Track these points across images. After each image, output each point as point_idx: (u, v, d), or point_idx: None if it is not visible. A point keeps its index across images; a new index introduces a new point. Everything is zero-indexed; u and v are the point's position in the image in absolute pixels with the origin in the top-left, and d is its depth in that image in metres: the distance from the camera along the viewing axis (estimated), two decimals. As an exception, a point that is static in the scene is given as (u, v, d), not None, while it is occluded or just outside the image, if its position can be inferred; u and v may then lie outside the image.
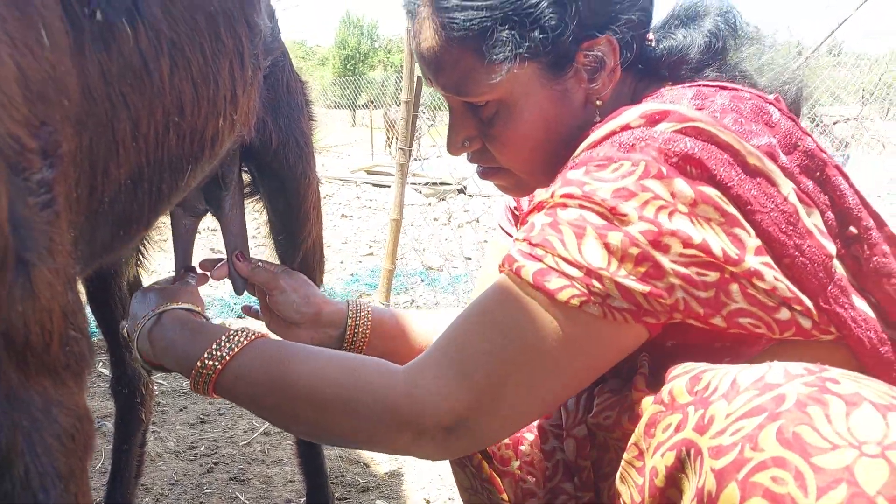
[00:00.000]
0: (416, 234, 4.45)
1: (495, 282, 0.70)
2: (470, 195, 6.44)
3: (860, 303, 0.67)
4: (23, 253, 0.47)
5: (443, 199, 6.09)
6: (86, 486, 0.59)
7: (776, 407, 0.53)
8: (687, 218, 0.62)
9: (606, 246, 0.63)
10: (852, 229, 0.68)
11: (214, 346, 0.77)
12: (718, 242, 0.62)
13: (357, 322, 1.00)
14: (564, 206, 0.66)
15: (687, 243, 0.62)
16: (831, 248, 0.66)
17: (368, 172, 8.19)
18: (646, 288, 0.62)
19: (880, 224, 0.70)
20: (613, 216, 0.63)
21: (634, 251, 0.62)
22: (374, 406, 0.70)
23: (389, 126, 12.64)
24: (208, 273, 1.07)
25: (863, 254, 0.68)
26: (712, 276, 0.63)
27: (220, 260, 1.08)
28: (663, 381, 0.67)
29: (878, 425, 0.50)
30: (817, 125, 7.01)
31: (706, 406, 0.58)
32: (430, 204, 5.89)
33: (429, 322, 1.04)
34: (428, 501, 1.57)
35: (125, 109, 0.63)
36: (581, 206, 0.65)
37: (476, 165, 0.85)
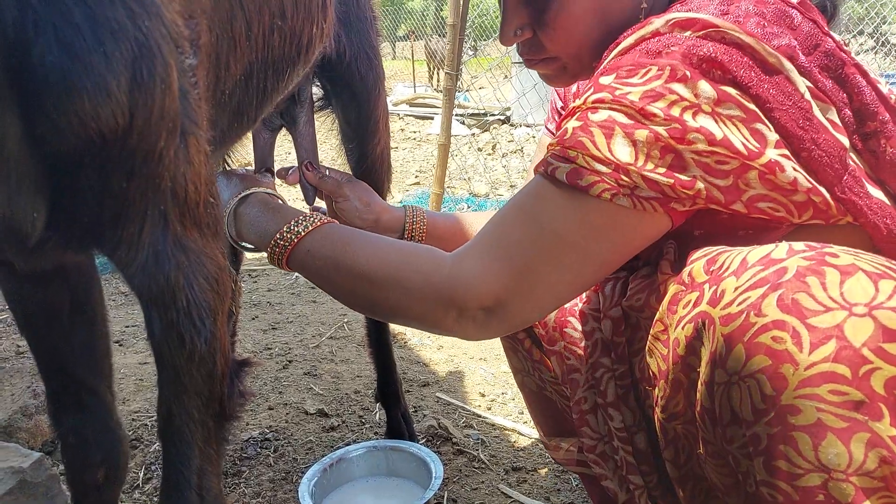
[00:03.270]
0: (461, 164, 4.51)
1: (532, 181, 0.77)
2: (513, 125, 6.42)
3: (875, 192, 0.72)
4: (183, 120, 0.59)
5: (486, 130, 6.09)
6: (225, 325, 0.72)
7: (778, 278, 0.59)
8: (710, 117, 0.67)
9: (633, 143, 0.68)
10: (870, 124, 0.72)
11: (293, 223, 0.87)
12: (739, 138, 0.67)
13: (413, 226, 1.12)
14: (595, 109, 0.71)
15: (711, 140, 0.67)
16: (844, 140, 0.70)
17: (411, 104, 8.19)
18: (669, 180, 0.68)
19: None
20: (641, 116, 0.68)
21: (659, 146, 0.68)
22: (423, 286, 0.78)
23: (430, 57, 12.45)
24: (282, 179, 1.20)
25: (879, 147, 0.72)
26: (732, 163, 0.68)
27: (293, 167, 1.21)
28: (686, 265, 0.73)
29: (868, 290, 0.55)
30: (883, 45, 6.63)
31: (719, 282, 0.64)
32: (473, 134, 5.90)
33: (477, 221, 1.15)
34: (483, 395, 1.72)
35: (241, 11, 0.72)
36: (610, 108, 0.70)
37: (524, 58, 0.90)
